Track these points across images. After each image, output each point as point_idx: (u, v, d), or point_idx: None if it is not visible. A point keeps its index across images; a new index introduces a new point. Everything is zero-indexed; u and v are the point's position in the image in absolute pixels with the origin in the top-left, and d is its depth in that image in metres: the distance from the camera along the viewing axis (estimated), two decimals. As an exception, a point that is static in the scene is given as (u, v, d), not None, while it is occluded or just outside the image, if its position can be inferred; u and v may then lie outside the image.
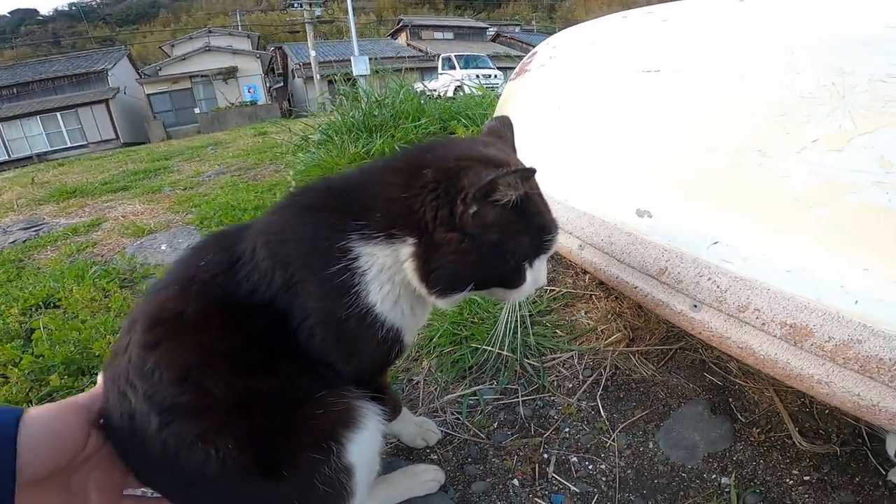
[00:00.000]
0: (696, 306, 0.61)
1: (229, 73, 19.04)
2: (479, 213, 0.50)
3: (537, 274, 0.56)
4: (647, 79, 0.89)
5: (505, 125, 0.69)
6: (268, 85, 20.85)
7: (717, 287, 0.59)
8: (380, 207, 0.52)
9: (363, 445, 0.52)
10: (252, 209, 2.39)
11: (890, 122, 0.53)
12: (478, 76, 12.05)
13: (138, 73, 20.63)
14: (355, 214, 0.52)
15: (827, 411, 0.79)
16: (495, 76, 13.09)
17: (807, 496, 0.67)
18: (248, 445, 0.47)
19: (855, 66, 0.58)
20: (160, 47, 24.96)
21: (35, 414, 0.46)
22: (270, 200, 2.50)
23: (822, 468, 0.70)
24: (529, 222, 0.54)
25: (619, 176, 0.87)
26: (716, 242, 0.62)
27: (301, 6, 18.66)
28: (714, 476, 0.72)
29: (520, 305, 0.71)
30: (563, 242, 0.91)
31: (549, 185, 1.08)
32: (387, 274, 0.53)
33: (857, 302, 0.50)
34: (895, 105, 0.53)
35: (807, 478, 0.69)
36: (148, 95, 18.89)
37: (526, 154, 1.29)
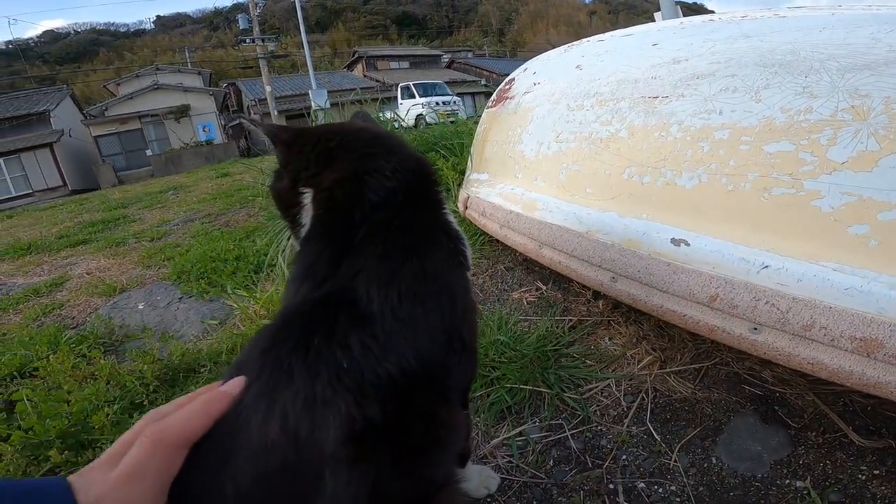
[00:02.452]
0: (756, 329, 0.62)
1: (181, 112, 18.52)
2: None
3: None
4: (654, 105, 0.93)
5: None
6: (223, 123, 20.47)
7: (777, 309, 0.61)
8: None
9: None
10: (233, 259, 2.28)
11: (913, 142, 0.57)
12: (437, 103, 12.32)
13: (83, 113, 19.68)
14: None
15: (869, 408, 0.82)
16: (454, 102, 13.43)
17: (883, 488, 0.68)
18: None
19: (869, 89, 0.62)
20: (105, 86, 24.08)
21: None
22: (251, 249, 2.40)
23: (886, 461, 0.73)
24: None
25: (639, 206, 0.90)
26: (766, 266, 0.64)
27: (253, 41, 18.62)
28: (788, 481, 0.72)
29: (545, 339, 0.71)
30: (592, 276, 0.92)
31: (564, 218, 1.10)
32: None
33: (917, 314, 0.52)
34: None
35: (876, 472, 0.71)
36: (95, 138, 18.00)
37: (536, 181, 1.31)
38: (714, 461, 0.79)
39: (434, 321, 0.46)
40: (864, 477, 0.71)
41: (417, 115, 7.52)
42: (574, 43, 1.78)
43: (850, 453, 0.75)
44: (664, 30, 1.23)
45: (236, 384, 0.41)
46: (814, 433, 0.80)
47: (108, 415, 1.12)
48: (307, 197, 0.54)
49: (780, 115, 0.68)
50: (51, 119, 16.98)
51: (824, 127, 0.63)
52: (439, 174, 2.48)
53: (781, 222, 0.65)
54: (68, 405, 1.18)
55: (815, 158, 0.63)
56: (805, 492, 0.70)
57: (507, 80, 2.03)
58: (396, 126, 3.20)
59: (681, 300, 0.72)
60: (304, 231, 0.55)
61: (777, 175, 0.66)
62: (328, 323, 0.42)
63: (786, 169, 0.66)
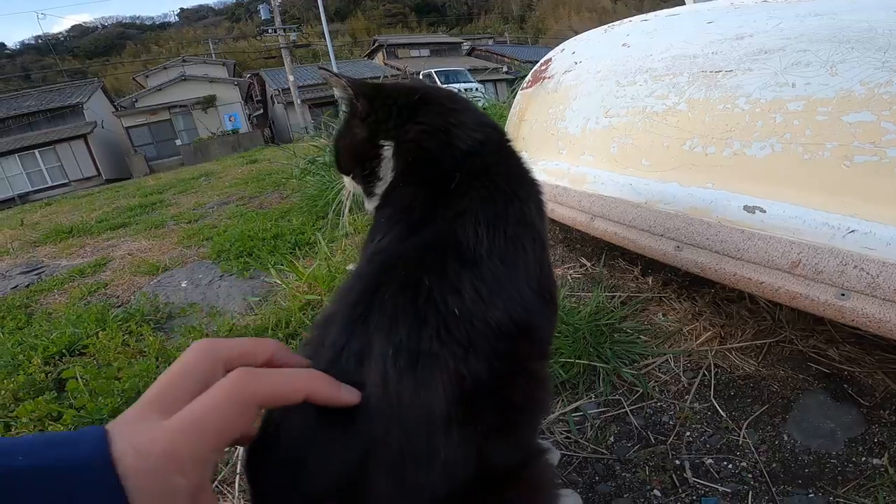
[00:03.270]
0: (843, 294, 0.60)
1: (208, 102, 18.89)
2: None
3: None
4: (717, 79, 0.90)
5: None
6: (248, 112, 20.77)
7: (868, 273, 0.58)
8: None
9: None
10: (270, 238, 2.32)
11: None
12: (459, 90, 12.19)
13: (114, 105, 20.28)
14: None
15: None
16: (476, 89, 13.28)
17: None
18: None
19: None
20: (134, 78, 24.72)
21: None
22: (287, 228, 2.44)
23: None
24: None
25: (703, 176, 0.87)
26: (852, 231, 0.61)
27: (275, 32, 18.75)
28: (864, 458, 0.70)
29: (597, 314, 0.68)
30: (654, 245, 0.90)
31: (618, 189, 1.08)
32: None
33: None
34: None
35: None
36: (126, 129, 18.57)
37: (584, 156, 1.29)
38: (785, 438, 0.77)
39: (532, 268, 0.45)
40: None
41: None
42: (613, 24, 1.75)
43: None
44: (716, 10, 1.19)
45: (354, 396, 0.36)
46: (887, 412, 0.77)
47: None
48: (388, 150, 0.54)
49: (860, 87, 0.65)
50: (84, 111, 17.55)
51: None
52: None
53: (865, 188, 0.62)
54: (119, 382, 1.19)
55: (903, 124, 0.60)
56: (882, 469, 0.68)
57: (542, 61, 2.00)
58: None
59: (758, 267, 0.70)
60: (380, 184, 0.55)
61: (859, 143, 0.64)
62: (439, 265, 0.40)
63: (868, 138, 0.63)
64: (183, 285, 2.13)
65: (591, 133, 1.30)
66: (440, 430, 0.35)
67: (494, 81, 19.06)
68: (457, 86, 13.42)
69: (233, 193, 4.15)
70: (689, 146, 0.92)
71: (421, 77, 15.10)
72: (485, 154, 0.50)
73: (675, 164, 0.94)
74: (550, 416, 0.89)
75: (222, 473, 0.88)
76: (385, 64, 23.59)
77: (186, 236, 2.91)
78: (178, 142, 17.94)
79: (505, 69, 21.73)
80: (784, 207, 0.70)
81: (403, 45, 26.58)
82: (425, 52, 26.41)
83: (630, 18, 1.66)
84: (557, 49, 1.96)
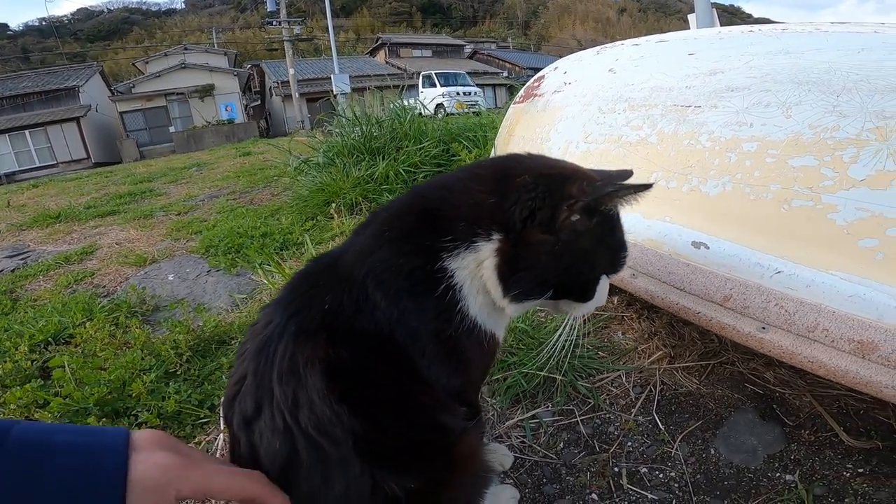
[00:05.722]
0: (764, 328, 0.67)
1: (206, 91, 18.79)
2: (580, 221, 0.52)
3: (602, 291, 0.60)
4: (686, 114, 0.97)
5: None
6: (245, 103, 20.67)
7: (786, 311, 0.66)
8: (464, 215, 0.54)
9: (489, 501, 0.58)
10: (259, 236, 2.35)
11: (927, 163, 0.61)
12: (458, 93, 12.26)
13: (110, 90, 20.13)
14: (443, 231, 0.54)
15: (861, 411, 0.86)
16: (475, 93, 13.36)
17: (865, 485, 0.73)
18: (424, 492, 0.50)
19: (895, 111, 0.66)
20: (133, 64, 24.49)
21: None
22: (276, 227, 2.48)
23: (871, 461, 0.77)
24: (614, 237, 0.58)
25: (663, 209, 0.94)
26: (779, 272, 0.69)
27: (279, 24, 18.70)
28: (778, 474, 0.78)
29: (569, 329, 0.75)
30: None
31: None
32: (474, 284, 0.55)
33: (915, 322, 0.57)
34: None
35: (860, 470, 0.76)
36: (121, 113, 18.42)
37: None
38: (712, 452, 0.84)
39: None
40: (848, 474, 0.76)
41: (437, 105, 7.51)
42: (607, 45, 1.79)
43: (838, 452, 0.80)
44: (701, 39, 1.25)
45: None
46: (807, 431, 0.85)
47: (144, 383, 1.14)
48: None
49: (808, 131, 0.72)
50: (80, 95, 17.39)
51: (848, 145, 0.67)
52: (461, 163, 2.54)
53: (797, 232, 0.69)
54: (105, 372, 1.21)
55: (835, 174, 0.67)
56: (793, 484, 0.75)
57: (536, 77, 2.05)
58: (419, 114, 3.25)
59: (696, 298, 0.77)
60: None
61: (798, 188, 0.71)
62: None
63: (807, 183, 0.70)
64: (170, 278, 2.15)
65: (571, 157, 1.37)
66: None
67: (494, 86, 19.18)
68: (456, 88, 13.50)
69: (224, 187, 4.18)
70: (655, 178, 0.99)
71: (421, 77, 15.16)
72: None
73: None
74: (509, 422, 0.96)
75: None
76: (386, 62, 23.62)
77: (175, 228, 2.93)
78: (172, 129, 17.83)
79: (505, 74, 21.87)
80: (725, 245, 0.77)
81: (406, 45, 26.64)
82: (427, 52, 26.49)
83: (623, 42, 1.72)
84: (551, 67, 2.02)
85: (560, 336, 0.77)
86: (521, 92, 2.03)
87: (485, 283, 0.55)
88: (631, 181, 0.60)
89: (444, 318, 0.53)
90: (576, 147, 1.34)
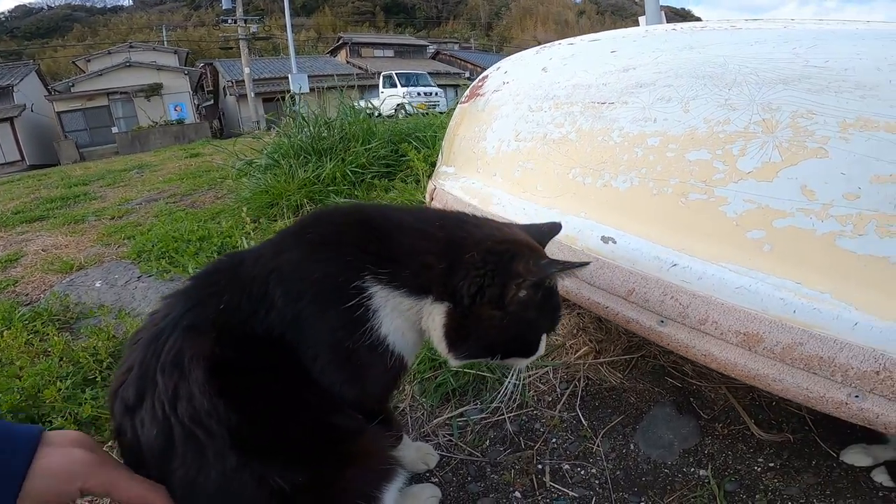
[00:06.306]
0: (662, 321, 0.68)
1: (153, 91, 17.87)
2: (527, 296, 0.57)
3: (542, 344, 0.65)
4: (601, 111, 0.98)
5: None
6: (196, 103, 19.81)
7: (680, 304, 0.67)
8: (412, 267, 0.57)
9: (393, 494, 0.59)
10: (196, 240, 2.26)
11: (809, 155, 0.63)
12: (419, 94, 12.23)
13: (48, 89, 18.82)
14: (377, 259, 0.56)
15: (774, 403, 0.89)
16: (436, 94, 13.37)
17: (776, 480, 0.75)
18: (312, 486, 0.52)
19: (780, 103, 0.68)
20: (74, 62, 23.00)
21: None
22: (216, 230, 2.38)
23: (782, 454, 0.80)
24: (554, 301, 0.63)
25: (580, 205, 0.95)
26: (674, 265, 0.70)
27: (235, 22, 18.04)
28: (693, 469, 0.79)
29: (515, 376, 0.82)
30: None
31: (514, 212, 1.15)
32: (402, 315, 0.58)
33: (795, 311, 0.59)
34: (813, 140, 0.64)
35: (771, 464, 0.78)
36: (58, 113, 17.24)
37: (495, 177, 1.35)
38: (632, 447, 0.86)
39: None
40: (759, 469, 0.78)
41: (398, 105, 7.45)
42: (546, 45, 1.82)
43: (750, 445, 0.83)
44: (628, 37, 1.28)
45: None
46: (721, 425, 0.87)
47: (59, 390, 1.15)
48: None
49: (703, 125, 0.74)
50: (13, 94, 16.25)
51: (737, 138, 0.69)
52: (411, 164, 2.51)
53: (693, 225, 0.71)
54: (20, 381, 1.20)
55: (726, 167, 0.69)
56: (706, 480, 0.77)
57: (480, 76, 2.06)
58: (371, 115, 3.21)
59: (605, 293, 0.77)
60: None
61: (694, 182, 0.72)
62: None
63: (701, 176, 0.72)
64: (97, 285, 2.06)
65: (502, 155, 1.37)
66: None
67: (456, 87, 19.24)
68: (417, 89, 13.46)
69: (165, 189, 3.97)
70: (573, 175, 1.00)
71: (381, 77, 15.02)
72: None
73: (560, 192, 1.02)
74: (437, 420, 0.95)
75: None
76: (348, 62, 23.27)
77: (107, 233, 2.78)
78: (115, 129, 16.86)
79: (467, 75, 22.00)
80: (630, 240, 0.78)
81: (368, 45, 26.33)
82: (389, 52, 26.28)
83: (562, 41, 1.75)
84: (494, 66, 2.02)
85: (508, 384, 0.82)
86: (467, 91, 2.03)
87: (419, 325, 0.59)
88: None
89: (347, 330, 0.55)
90: (507, 146, 1.34)
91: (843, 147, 0.58)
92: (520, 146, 1.29)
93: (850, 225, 0.57)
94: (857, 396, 0.54)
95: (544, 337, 0.65)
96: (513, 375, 0.81)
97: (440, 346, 0.59)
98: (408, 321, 0.59)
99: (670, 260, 0.70)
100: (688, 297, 0.66)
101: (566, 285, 0.86)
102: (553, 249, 0.94)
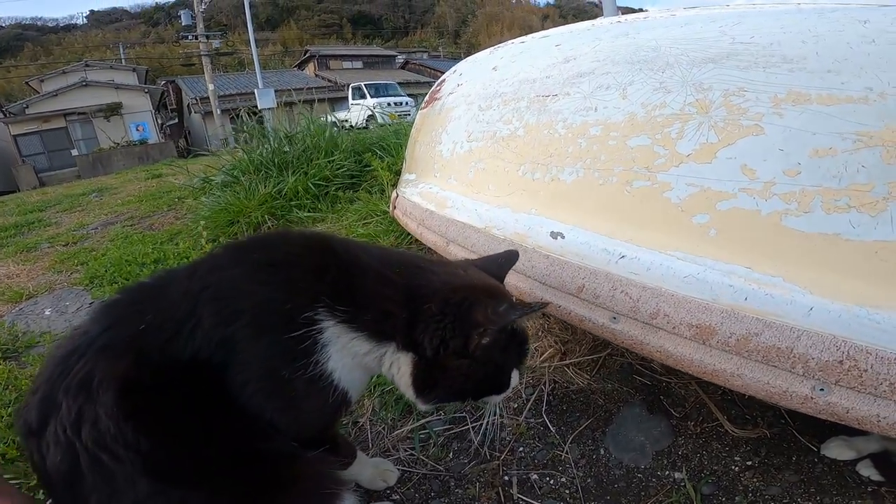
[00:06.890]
0: (615, 318, 0.65)
1: (112, 110, 17.27)
2: (490, 341, 0.57)
3: (514, 378, 0.63)
4: (546, 104, 0.95)
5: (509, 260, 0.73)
6: (160, 122, 19.29)
7: (630, 298, 0.63)
8: (373, 313, 0.56)
9: None
10: (151, 263, 2.19)
11: (745, 133, 0.61)
12: (389, 104, 12.20)
13: (2, 111, 18.02)
14: (335, 293, 0.54)
15: (746, 397, 0.86)
16: (406, 103, 13.35)
17: (755, 480, 0.71)
18: None
19: (712, 83, 0.66)
20: (27, 83, 22.10)
21: None
22: (172, 252, 2.28)
23: (759, 452, 0.76)
24: (518, 338, 0.62)
25: (529, 201, 0.92)
26: (622, 256, 0.67)
27: (196, 38, 17.68)
28: (667, 472, 0.76)
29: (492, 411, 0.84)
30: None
31: (468, 215, 1.11)
32: (355, 356, 0.57)
33: (746, 299, 0.56)
34: (747, 117, 0.61)
35: (749, 462, 0.75)
36: (14, 137, 16.48)
37: (450, 180, 1.31)
38: (602, 452, 0.81)
39: None
40: (737, 468, 0.74)
41: (369, 116, 7.40)
42: (500, 45, 1.80)
43: (725, 443, 0.79)
44: (574, 31, 1.26)
45: None
46: (693, 423, 0.84)
47: (1, 417, 1.15)
48: None
49: (641, 110, 0.72)
50: (-37, 118, 15.39)
51: (674, 121, 0.67)
52: (376, 174, 2.46)
53: (638, 214, 0.68)
54: None
55: (666, 151, 0.66)
56: (682, 483, 0.73)
57: (438, 81, 2.03)
58: (339, 128, 3.15)
59: (556, 291, 0.74)
60: None
61: (637, 168, 0.70)
62: None
63: (643, 162, 0.69)
64: (47, 313, 2.01)
65: (456, 157, 1.34)
66: None
67: (426, 95, 19.28)
68: (387, 99, 13.41)
69: (122, 212, 3.81)
70: (522, 172, 0.97)
71: (350, 89, 14.91)
72: None
73: (511, 190, 0.99)
74: (398, 432, 0.90)
75: None
76: (316, 75, 23.08)
77: (59, 260, 2.66)
78: (75, 152, 16.19)
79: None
80: (579, 233, 0.75)
81: (336, 57, 26.20)
82: (358, 64, 26.22)
83: (514, 40, 1.73)
84: (451, 70, 2.00)
85: (487, 421, 0.83)
86: (426, 97, 2.00)
87: (372, 367, 0.59)
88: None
89: (284, 359, 0.53)
90: (460, 147, 1.30)
91: (778, 122, 0.55)
92: (472, 147, 1.26)
93: (794, 203, 0.55)
94: (821, 390, 0.50)
95: (515, 371, 0.63)
96: (490, 413, 0.82)
97: (407, 392, 0.59)
98: (359, 362, 0.58)
99: (618, 251, 0.67)
100: (637, 289, 0.63)
101: (520, 287, 0.82)
102: (502, 249, 0.90)
